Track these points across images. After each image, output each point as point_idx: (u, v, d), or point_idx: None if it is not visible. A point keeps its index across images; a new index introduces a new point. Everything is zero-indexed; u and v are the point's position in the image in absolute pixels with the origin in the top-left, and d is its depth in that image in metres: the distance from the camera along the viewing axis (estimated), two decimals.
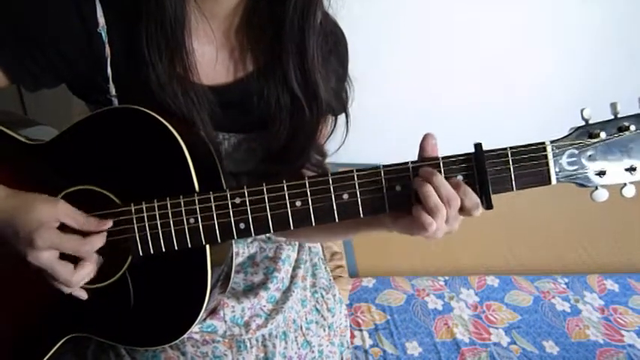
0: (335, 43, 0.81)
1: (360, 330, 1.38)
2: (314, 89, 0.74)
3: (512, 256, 1.81)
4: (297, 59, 0.72)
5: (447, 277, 1.61)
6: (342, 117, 0.82)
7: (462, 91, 2.14)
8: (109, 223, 0.65)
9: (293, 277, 0.91)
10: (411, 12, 1.96)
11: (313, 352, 0.90)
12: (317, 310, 0.93)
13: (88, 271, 0.64)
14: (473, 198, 0.60)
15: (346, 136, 0.80)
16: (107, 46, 0.69)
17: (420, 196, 0.60)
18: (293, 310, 0.89)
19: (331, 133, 0.82)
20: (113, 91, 0.71)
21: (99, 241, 0.64)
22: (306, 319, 0.91)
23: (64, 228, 0.63)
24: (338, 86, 0.81)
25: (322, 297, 0.95)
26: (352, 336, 1.34)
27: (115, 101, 0.72)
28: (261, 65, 0.76)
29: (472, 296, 1.55)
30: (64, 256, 0.63)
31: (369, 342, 1.35)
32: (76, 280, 0.63)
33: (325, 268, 1.01)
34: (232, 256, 0.75)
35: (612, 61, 2.12)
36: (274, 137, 0.76)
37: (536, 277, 1.64)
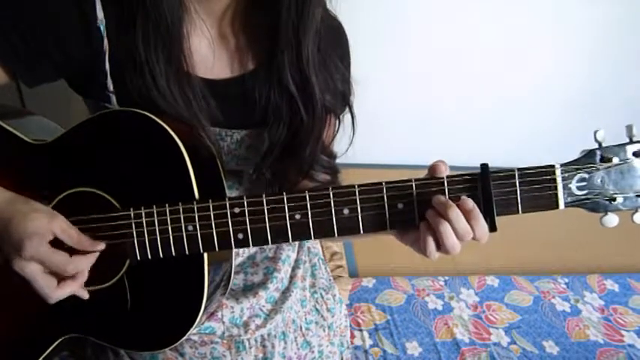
0: (335, 40, 0.80)
1: (360, 330, 1.38)
2: (310, 90, 0.73)
3: (512, 256, 1.80)
4: (294, 60, 0.71)
5: (447, 277, 1.60)
6: (348, 118, 0.80)
7: (463, 91, 2.14)
8: (102, 246, 0.65)
9: (292, 278, 0.91)
10: (412, 12, 1.96)
11: (313, 352, 0.91)
12: (317, 310, 0.93)
13: (70, 290, 0.63)
14: (481, 226, 0.59)
15: (353, 136, 0.79)
16: (106, 40, 0.68)
17: (437, 234, 0.59)
18: (292, 310, 0.89)
19: (335, 134, 0.81)
20: (111, 86, 0.70)
21: (86, 262, 0.64)
22: (305, 319, 0.91)
23: (56, 244, 0.62)
24: (340, 85, 0.79)
25: (322, 297, 0.95)
26: (352, 336, 1.34)
27: (113, 97, 0.71)
28: (258, 64, 0.76)
29: (472, 296, 1.54)
30: None
31: (369, 342, 1.35)
32: (56, 297, 0.62)
33: (325, 268, 1.01)
34: (233, 258, 0.75)
35: (612, 61, 2.12)
36: (274, 135, 0.75)
37: (536, 277, 1.64)
